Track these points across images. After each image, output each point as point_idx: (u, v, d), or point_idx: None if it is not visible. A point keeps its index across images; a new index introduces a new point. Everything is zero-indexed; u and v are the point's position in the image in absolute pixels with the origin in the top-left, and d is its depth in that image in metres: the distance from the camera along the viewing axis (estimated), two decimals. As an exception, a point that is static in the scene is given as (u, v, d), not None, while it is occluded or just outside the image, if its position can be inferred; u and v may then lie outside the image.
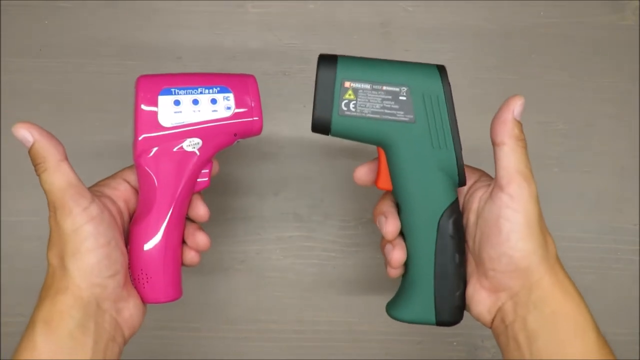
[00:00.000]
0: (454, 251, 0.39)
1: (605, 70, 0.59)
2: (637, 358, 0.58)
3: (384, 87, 0.37)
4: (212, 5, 0.57)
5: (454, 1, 0.58)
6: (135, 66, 0.57)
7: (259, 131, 0.42)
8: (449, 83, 0.38)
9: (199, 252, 0.44)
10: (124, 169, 0.43)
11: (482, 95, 0.58)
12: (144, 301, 0.41)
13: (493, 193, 0.38)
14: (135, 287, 0.41)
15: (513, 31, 0.59)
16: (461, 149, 0.38)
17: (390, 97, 0.37)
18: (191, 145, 0.40)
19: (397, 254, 0.40)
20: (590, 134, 0.59)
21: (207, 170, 0.42)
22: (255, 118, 0.42)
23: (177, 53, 0.57)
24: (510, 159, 0.37)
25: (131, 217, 0.42)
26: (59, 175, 0.37)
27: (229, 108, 0.41)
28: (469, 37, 0.58)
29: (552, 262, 0.37)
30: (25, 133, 0.37)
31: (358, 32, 0.58)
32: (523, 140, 0.38)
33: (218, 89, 0.41)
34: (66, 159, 0.37)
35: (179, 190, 0.41)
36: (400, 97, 0.37)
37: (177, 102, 0.40)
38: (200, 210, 0.43)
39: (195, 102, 0.41)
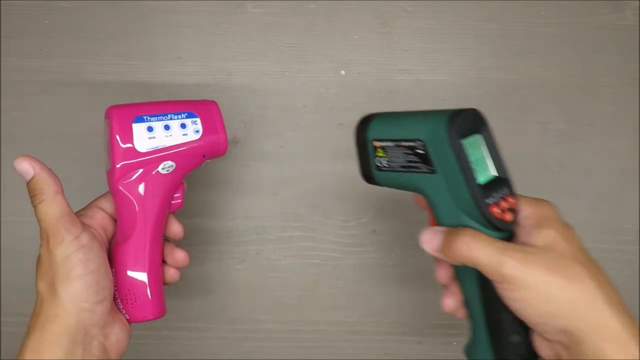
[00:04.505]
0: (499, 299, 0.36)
1: (605, 70, 0.59)
2: (637, 358, 0.58)
3: (403, 143, 0.39)
4: (212, 5, 0.57)
5: (454, 1, 0.58)
6: (135, 66, 0.57)
7: (224, 151, 0.45)
8: (458, 132, 0.35)
9: (179, 268, 0.45)
10: (97, 198, 0.44)
11: (482, 95, 0.58)
12: (131, 320, 0.42)
13: None
14: (123, 308, 0.42)
15: (513, 31, 0.59)
16: (483, 197, 0.35)
17: (410, 151, 0.38)
18: (165, 168, 0.42)
19: (445, 301, 0.41)
20: (590, 134, 0.59)
21: (180, 193, 0.45)
22: (221, 139, 0.44)
23: (177, 53, 0.57)
24: None
25: (110, 242, 0.43)
26: (54, 206, 0.38)
27: (197, 131, 0.44)
28: (469, 37, 0.58)
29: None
30: (27, 166, 0.38)
31: (358, 32, 0.58)
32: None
33: (186, 114, 0.44)
34: (62, 191, 0.39)
35: (158, 211, 0.43)
36: (418, 151, 0.38)
37: (150, 129, 0.42)
38: (175, 228, 0.45)
39: (167, 127, 0.43)
